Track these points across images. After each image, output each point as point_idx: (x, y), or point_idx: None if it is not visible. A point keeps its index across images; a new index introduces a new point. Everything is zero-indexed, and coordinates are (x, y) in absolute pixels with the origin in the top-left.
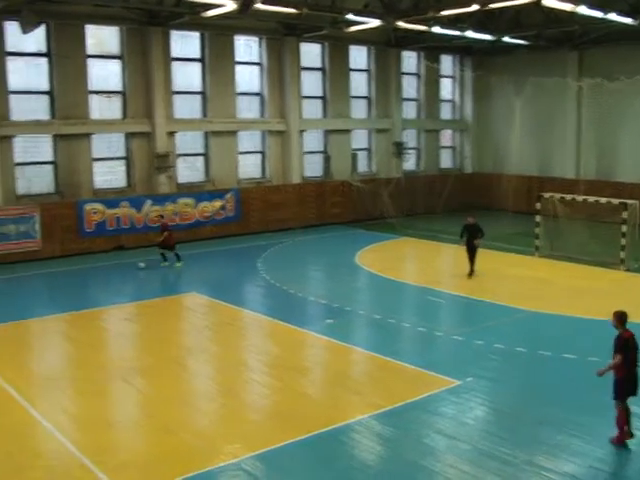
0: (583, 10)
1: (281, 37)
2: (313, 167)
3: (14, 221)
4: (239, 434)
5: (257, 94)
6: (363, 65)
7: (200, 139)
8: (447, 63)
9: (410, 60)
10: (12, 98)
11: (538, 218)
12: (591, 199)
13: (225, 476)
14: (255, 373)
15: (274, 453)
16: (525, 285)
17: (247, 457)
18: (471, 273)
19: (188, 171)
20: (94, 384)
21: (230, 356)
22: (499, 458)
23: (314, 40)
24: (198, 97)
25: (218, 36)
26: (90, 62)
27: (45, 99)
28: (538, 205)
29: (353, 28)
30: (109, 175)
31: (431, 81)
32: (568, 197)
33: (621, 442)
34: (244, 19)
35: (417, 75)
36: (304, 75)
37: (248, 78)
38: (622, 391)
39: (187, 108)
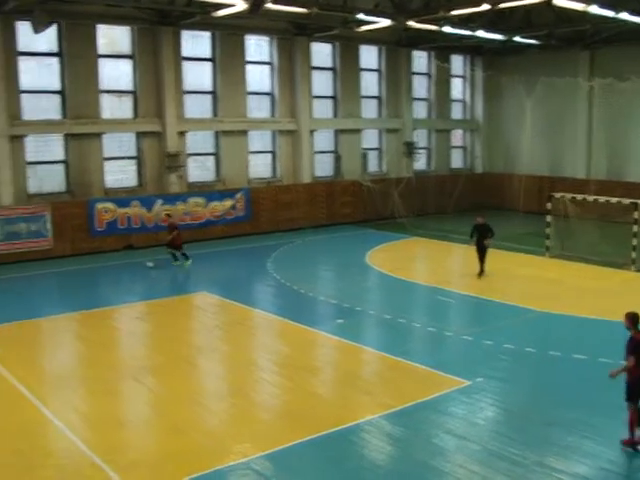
0: (594, 9)
1: (292, 37)
2: (323, 167)
3: (25, 220)
4: (249, 434)
5: (268, 94)
6: (374, 65)
7: (211, 139)
8: (458, 63)
9: (421, 60)
10: (24, 98)
11: (549, 218)
12: (602, 199)
13: (234, 475)
14: (265, 373)
15: (284, 453)
16: (535, 285)
17: (257, 457)
18: (481, 273)
19: (199, 170)
20: (105, 383)
21: (240, 355)
22: (509, 459)
23: (325, 40)
24: (209, 97)
25: (229, 36)
26: (101, 62)
27: (56, 99)
28: (549, 205)
29: (364, 28)
30: (120, 174)
31: (442, 81)
32: (579, 197)
33: (632, 444)
34: (255, 19)
35: (428, 75)
36: (315, 75)
37: (259, 78)
38: (634, 393)
39: (198, 108)
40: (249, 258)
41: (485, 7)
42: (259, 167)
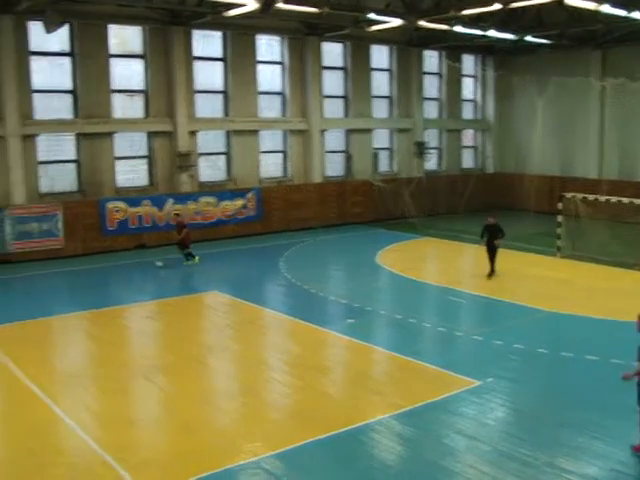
0: (606, 9)
1: (303, 36)
2: (334, 166)
3: (37, 219)
4: (259, 433)
5: (279, 93)
6: (384, 64)
7: (222, 138)
8: (469, 62)
9: (432, 59)
10: (36, 97)
11: (560, 218)
12: (613, 199)
13: (245, 474)
14: (276, 372)
15: (294, 452)
16: (546, 285)
17: (267, 456)
18: (491, 273)
19: (210, 170)
20: (116, 382)
21: (251, 355)
22: (519, 459)
23: (336, 39)
24: (220, 96)
25: (240, 35)
26: (113, 61)
27: (68, 98)
28: (560, 205)
29: (374, 27)
30: (131, 174)
31: (453, 81)
32: (590, 197)
33: None
34: (266, 19)
35: (439, 75)
36: (325, 74)
37: (270, 77)
38: None
39: (209, 107)
40: (260, 257)
41: (496, 6)
42: (270, 167)
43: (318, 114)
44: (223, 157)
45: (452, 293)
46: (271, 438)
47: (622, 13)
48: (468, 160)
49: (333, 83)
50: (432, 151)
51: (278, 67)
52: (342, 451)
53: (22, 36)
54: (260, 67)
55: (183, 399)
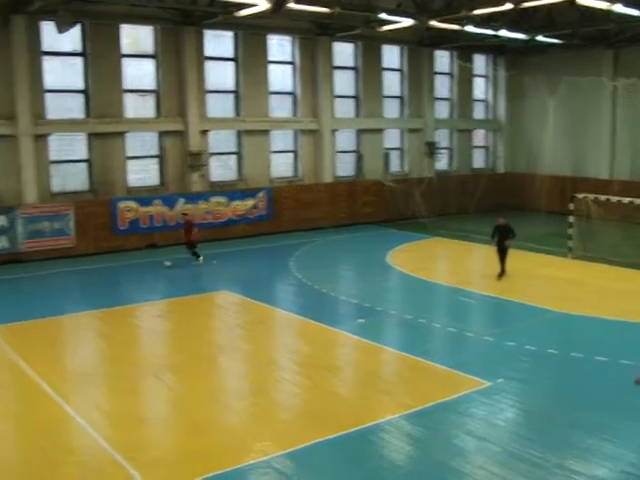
0: (619, 8)
1: (314, 36)
2: (345, 166)
3: (49, 218)
4: (269, 432)
5: (290, 93)
6: (396, 64)
7: (233, 138)
8: (480, 62)
9: (443, 59)
10: (48, 97)
11: (571, 219)
12: (625, 200)
13: (255, 474)
14: (286, 372)
15: (304, 452)
16: (557, 286)
17: (277, 455)
18: (502, 274)
19: (221, 170)
20: (126, 381)
21: (261, 354)
22: (529, 460)
23: (347, 39)
24: (231, 96)
25: (251, 35)
26: (125, 61)
27: (80, 98)
28: (571, 206)
29: (386, 27)
30: (142, 173)
31: (464, 81)
32: (602, 198)
33: None
34: (277, 19)
35: (450, 75)
36: (337, 74)
37: (281, 77)
38: None
39: (220, 107)
40: (270, 257)
41: (508, 6)
42: (281, 166)
43: (329, 114)
44: (234, 157)
45: (462, 293)
46: (281, 437)
47: (635, 13)
48: (479, 160)
49: (344, 83)
50: (443, 151)
51: (289, 67)
52: (352, 451)
53: (34, 36)
54: (271, 67)
55: (193, 398)
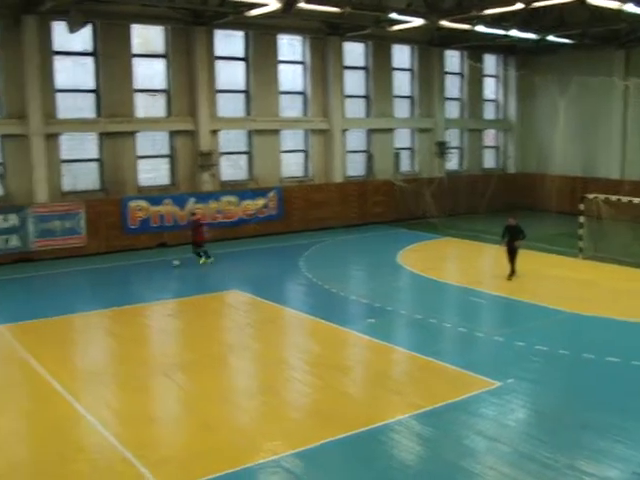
0: (630, 8)
1: (324, 36)
2: (355, 166)
3: (60, 217)
4: (279, 432)
5: (300, 93)
6: (406, 64)
7: (243, 137)
8: (490, 62)
9: (453, 59)
10: (59, 96)
11: (582, 219)
12: (636, 200)
13: (264, 473)
14: (296, 371)
15: (314, 451)
16: (568, 286)
17: (287, 455)
18: (512, 274)
19: (231, 169)
20: (136, 379)
21: (271, 354)
22: (540, 461)
23: (357, 39)
24: (241, 96)
25: (262, 35)
26: (135, 61)
27: (91, 97)
28: (582, 206)
29: (396, 27)
30: (153, 173)
31: (474, 80)
32: (613, 198)
33: None
34: (287, 18)
35: (460, 74)
36: (347, 74)
37: (291, 77)
38: None
39: (231, 107)
40: (281, 257)
41: (518, 6)
42: (291, 166)
43: (339, 114)
44: (244, 156)
45: (473, 293)
46: (291, 437)
47: None
48: (489, 160)
49: (354, 83)
50: (453, 151)
51: (300, 67)
52: (361, 451)
53: (46, 36)
54: (282, 67)
55: (203, 397)
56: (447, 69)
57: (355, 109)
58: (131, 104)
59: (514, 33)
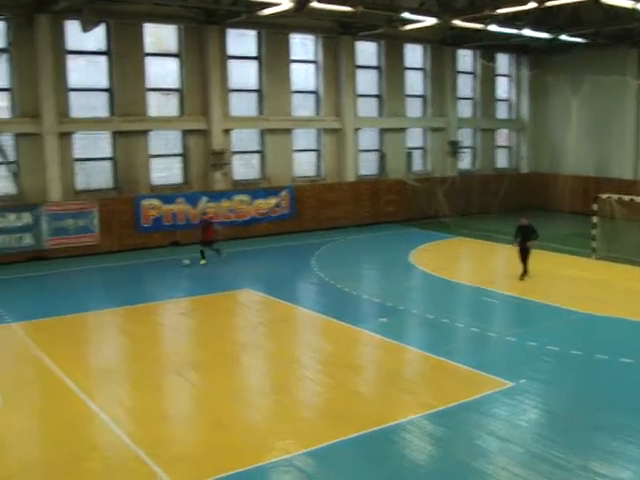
0: None
1: (337, 35)
2: (368, 165)
3: (73, 216)
4: (291, 430)
5: (313, 92)
6: (418, 63)
7: (256, 137)
8: (503, 62)
9: (466, 58)
10: (72, 95)
11: (595, 219)
12: None
13: (276, 472)
14: (308, 370)
15: (325, 450)
16: (581, 287)
17: (299, 453)
18: (524, 274)
19: (244, 168)
20: (149, 378)
21: (283, 353)
22: (552, 462)
23: (370, 38)
24: (254, 95)
25: (274, 34)
26: (148, 60)
27: (104, 96)
28: (595, 206)
29: (409, 27)
30: (166, 171)
31: (487, 80)
32: (626, 198)
33: None
34: (300, 18)
35: (473, 74)
36: (359, 73)
37: (304, 76)
38: None
39: (243, 106)
40: (293, 256)
41: (531, 5)
42: (304, 165)
43: (352, 113)
44: (257, 155)
45: (485, 293)
46: (303, 436)
47: None
48: (502, 160)
49: (367, 82)
50: (466, 150)
51: (312, 66)
52: (373, 450)
53: (59, 35)
54: (294, 66)
55: (215, 396)
56: (459, 68)
57: (367, 108)
58: (144, 103)
59: (527, 32)
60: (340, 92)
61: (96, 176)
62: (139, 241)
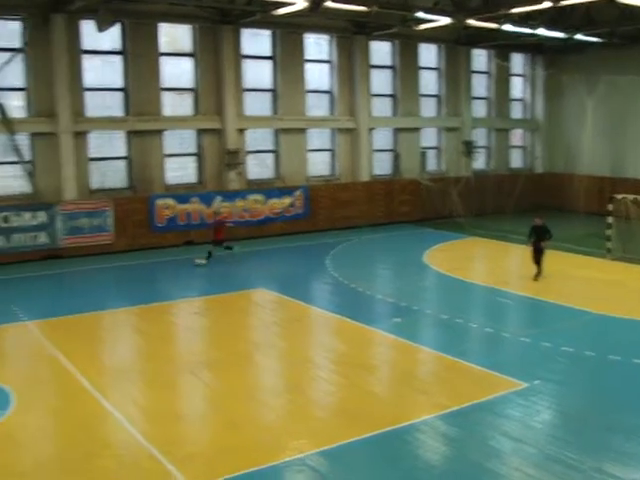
0: None
1: (351, 35)
2: (382, 165)
3: (88, 215)
4: (305, 430)
5: (327, 92)
6: (433, 63)
7: (270, 136)
8: (518, 61)
9: (480, 58)
10: (87, 95)
11: (610, 219)
12: None
13: (290, 471)
14: (322, 370)
15: (339, 450)
16: (595, 287)
17: (312, 453)
18: (538, 275)
19: (258, 168)
20: (163, 377)
21: (297, 352)
22: (565, 463)
23: (384, 38)
24: (268, 94)
25: (288, 34)
26: (163, 60)
27: (119, 96)
28: (610, 206)
29: (423, 26)
30: (180, 171)
31: (501, 79)
32: None
33: None
34: (314, 17)
35: (487, 73)
36: (374, 73)
37: (318, 76)
38: None
39: (257, 105)
40: (307, 255)
41: (546, 4)
42: (318, 165)
43: (366, 113)
44: (271, 155)
45: (499, 294)
46: (316, 435)
47: None
48: (517, 160)
49: (381, 82)
50: (480, 150)
51: (326, 66)
52: (387, 450)
53: (74, 35)
54: (308, 65)
55: (229, 395)
56: (474, 68)
57: (382, 108)
58: (159, 103)
59: (542, 32)
60: (354, 92)
61: (111, 175)
62: (153, 240)
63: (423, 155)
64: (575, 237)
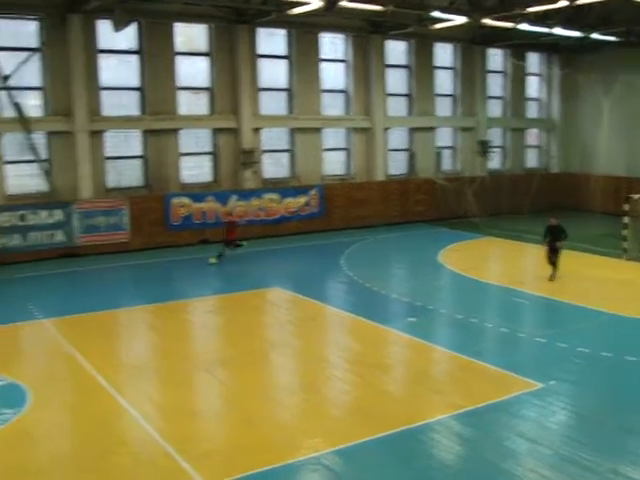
0: None
1: (366, 35)
2: (397, 164)
3: (104, 213)
4: (319, 429)
5: (342, 91)
6: (448, 63)
7: (285, 135)
8: (534, 60)
9: (496, 57)
10: (104, 94)
11: (626, 220)
12: None
13: (305, 470)
14: (336, 369)
15: (353, 449)
16: (611, 288)
17: (327, 452)
18: (553, 275)
19: (273, 167)
20: (179, 374)
21: (312, 351)
22: (581, 464)
23: (399, 37)
24: (284, 94)
25: (304, 33)
26: (179, 59)
27: (135, 95)
28: (626, 206)
29: (438, 25)
30: (196, 170)
31: (517, 79)
32: None
33: None
34: (330, 17)
35: (503, 73)
36: (389, 72)
37: (333, 75)
38: None
39: (273, 105)
40: (322, 255)
41: (562, 3)
42: (333, 164)
43: (381, 112)
44: (286, 154)
45: (514, 294)
46: (331, 434)
47: None
48: (532, 159)
49: (397, 81)
50: (495, 150)
51: (342, 65)
52: (401, 449)
53: (91, 34)
54: (324, 65)
55: (244, 393)
56: (490, 67)
57: (397, 107)
58: (174, 102)
59: (558, 31)
60: (370, 91)
61: (127, 174)
62: (169, 239)
63: (438, 155)
64: (591, 237)
